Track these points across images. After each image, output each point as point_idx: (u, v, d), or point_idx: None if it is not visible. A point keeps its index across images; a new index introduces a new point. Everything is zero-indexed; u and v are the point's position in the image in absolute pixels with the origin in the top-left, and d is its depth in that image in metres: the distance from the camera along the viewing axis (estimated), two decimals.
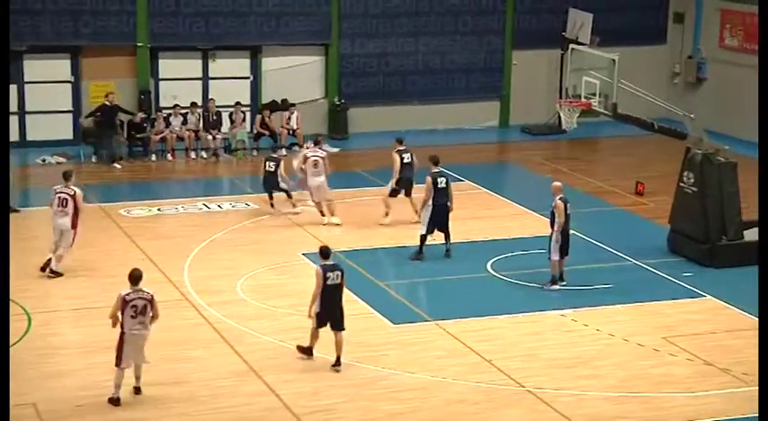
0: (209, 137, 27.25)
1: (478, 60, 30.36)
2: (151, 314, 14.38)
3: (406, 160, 21.85)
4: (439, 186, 19.93)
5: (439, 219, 20.02)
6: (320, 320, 15.45)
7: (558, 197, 18.63)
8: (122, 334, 14.33)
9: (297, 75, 29.09)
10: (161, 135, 26.95)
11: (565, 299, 18.35)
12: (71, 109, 27.64)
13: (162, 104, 28.02)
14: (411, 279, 19.22)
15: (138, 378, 14.58)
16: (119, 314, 14.31)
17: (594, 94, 23.53)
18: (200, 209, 22.89)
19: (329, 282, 15.35)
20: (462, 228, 21.86)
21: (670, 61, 31.66)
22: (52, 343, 16.17)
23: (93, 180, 24.94)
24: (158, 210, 22.86)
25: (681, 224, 20.71)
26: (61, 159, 26.26)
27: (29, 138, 27.35)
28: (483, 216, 22.88)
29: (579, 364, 15.93)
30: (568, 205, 18.67)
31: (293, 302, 17.33)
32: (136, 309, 14.28)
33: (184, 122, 27.32)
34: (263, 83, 28.84)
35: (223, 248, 20.57)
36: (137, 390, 14.58)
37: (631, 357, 16.26)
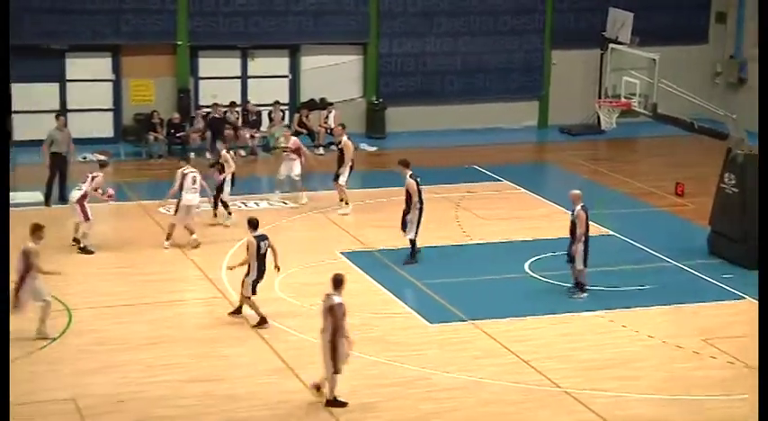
0: (248, 135, 27.34)
1: (517, 60, 30.26)
2: (331, 321, 14.07)
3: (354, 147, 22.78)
4: (419, 186, 19.77)
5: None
6: (255, 287, 16.57)
7: (580, 206, 18.23)
8: None
9: (335, 74, 29.12)
10: (200, 133, 27.05)
11: (603, 300, 18.23)
12: (112, 107, 27.85)
13: (201, 103, 28.15)
14: (448, 278, 19.17)
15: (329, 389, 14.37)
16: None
17: (634, 94, 23.39)
18: (238, 207, 22.91)
19: (261, 252, 16.32)
20: (500, 228, 21.83)
21: (711, 61, 31.40)
22: (91, 339, 16.27)
23: (133, 178, 25.13)
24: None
25: (721, 225, 20.52)
26: (101, 157, 26.40)
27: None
28: (521, 216, 22.80)
29: (617, 366, 15.84)
30: (588, 213, 18.32)
31: None
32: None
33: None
34: (302, 82, 28.90)
35: None
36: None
37: (670, 359, 16.15)
